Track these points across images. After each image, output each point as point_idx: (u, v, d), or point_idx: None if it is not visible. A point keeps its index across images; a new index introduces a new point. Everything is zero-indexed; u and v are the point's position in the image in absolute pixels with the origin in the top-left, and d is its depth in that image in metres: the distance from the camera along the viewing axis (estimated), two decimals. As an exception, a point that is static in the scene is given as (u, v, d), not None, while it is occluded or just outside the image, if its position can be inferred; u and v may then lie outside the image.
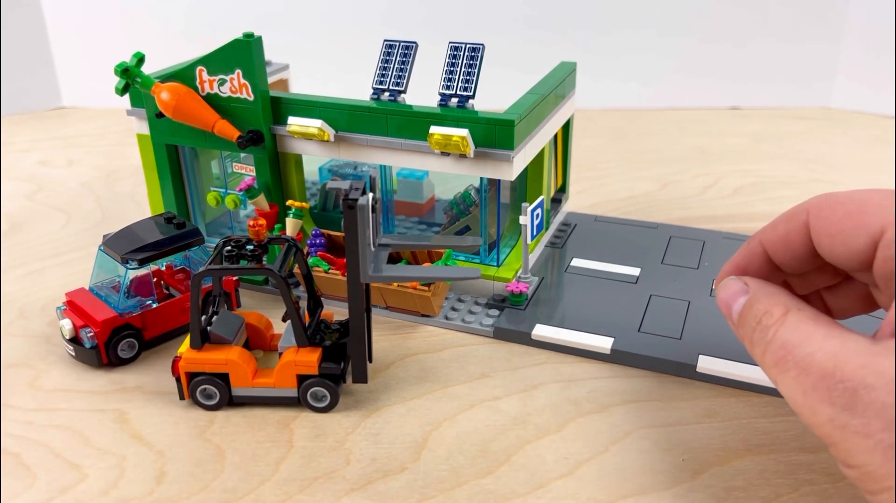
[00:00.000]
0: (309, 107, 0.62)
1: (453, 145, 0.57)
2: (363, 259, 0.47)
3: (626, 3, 1.19)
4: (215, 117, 0.61)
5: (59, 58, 1.25)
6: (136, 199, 0.88)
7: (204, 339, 0.50)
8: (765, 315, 0.37)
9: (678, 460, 0.46)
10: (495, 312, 0.62)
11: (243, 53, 0.59)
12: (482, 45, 0.60)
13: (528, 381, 0.54)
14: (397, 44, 0.62)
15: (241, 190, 0.64)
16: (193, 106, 0.61)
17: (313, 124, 0.61)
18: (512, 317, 0.61)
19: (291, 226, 0.63)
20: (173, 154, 0.67)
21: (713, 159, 0.99)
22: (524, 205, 0.60)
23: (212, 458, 0.47)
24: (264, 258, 0.50)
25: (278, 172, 0.65)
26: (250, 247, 0.50)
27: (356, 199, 0.45)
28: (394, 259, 0.64)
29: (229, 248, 0.50)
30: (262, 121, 0.62)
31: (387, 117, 0.60)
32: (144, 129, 0.67)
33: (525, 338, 0.59)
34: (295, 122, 0.61)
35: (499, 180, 0.62)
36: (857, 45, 1.18)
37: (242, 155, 0.74)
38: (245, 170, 0.73)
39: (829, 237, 0.37)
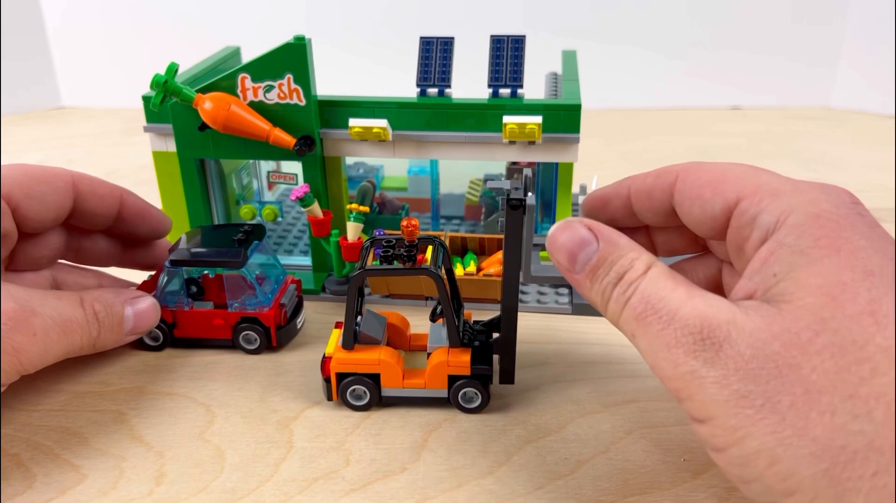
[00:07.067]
0: (369, 107, 0.61)
1: (528, 133, 0.58)
2: (526, 259, 0.46)
3: (627, 3, 1.19)
4: (269, 125, 0.59)
5: (59, 58, 1.25)
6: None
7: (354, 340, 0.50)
8: (629, 270, 0.37)
9: (678, 460, 0.46)
10: (564, 290, 0.63)
11: (295, 57, 0.58)
12: (524, 35, 0.61)
13: (528, 381, 0.54)
14: (435, 40, 0.62)
15: (294, 199, 0.61)
16: (245, 116, 0.59)
17: (378, 124, 0.60)
18: None
19: (353, 230, 0.62)
20: (201, 169, 0.65)
21: (713, 159, 0.99)
22: (582, 184, 0.61)
23: (211, 459, 0.47)
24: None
25: (325, 178, 0.64)
26: (403, 248, 0.49)
27: (523, 199, 0.44)
28: (459, 249, 0.65)
29: (380, 249, 0.49)
30: (314, 125, 0.60)
31: (446, 112, 0.60)
32: (161, 146, 0.65)
33: None
34: (357, 123, 0.60)
35: (556, 164, 0.63)
36: (857, 45, 1.18)
37: (273, 164, 0.73)
38: (283, 178, 0.71)
39: (689, 201, 0.40)
